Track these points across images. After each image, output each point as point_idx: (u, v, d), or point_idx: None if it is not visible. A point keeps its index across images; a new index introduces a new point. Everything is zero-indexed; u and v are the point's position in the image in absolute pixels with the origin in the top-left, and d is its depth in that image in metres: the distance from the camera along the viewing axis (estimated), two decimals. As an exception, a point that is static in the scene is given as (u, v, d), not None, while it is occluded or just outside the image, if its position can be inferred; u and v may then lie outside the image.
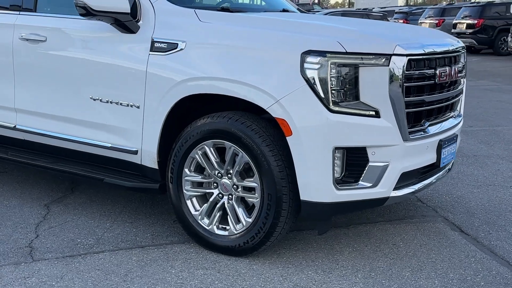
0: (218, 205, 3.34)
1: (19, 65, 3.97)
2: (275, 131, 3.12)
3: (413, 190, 3.26)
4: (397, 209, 4.20)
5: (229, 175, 3.28)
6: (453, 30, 21.07)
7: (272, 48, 3.05)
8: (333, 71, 2.90)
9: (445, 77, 3.33)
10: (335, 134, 2.92)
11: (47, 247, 3.44)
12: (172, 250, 3.43)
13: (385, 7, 41.65)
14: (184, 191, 3.42)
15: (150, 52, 3.38)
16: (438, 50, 3.31)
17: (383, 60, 2.94)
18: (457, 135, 3.63)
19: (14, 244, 3.47)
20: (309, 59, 2.92)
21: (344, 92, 2.93)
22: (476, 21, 20.76)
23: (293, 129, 2.95)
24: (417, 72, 3.11)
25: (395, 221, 3.98)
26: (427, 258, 3.37)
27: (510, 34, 18.55)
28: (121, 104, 3.54)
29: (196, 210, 3.42)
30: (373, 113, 2.96)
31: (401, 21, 27.25)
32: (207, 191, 3.38)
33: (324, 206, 3.01)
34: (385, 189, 3.06)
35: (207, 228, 3.37)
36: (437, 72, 3.24)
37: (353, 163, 3.01)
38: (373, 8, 41.52)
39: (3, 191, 4.50)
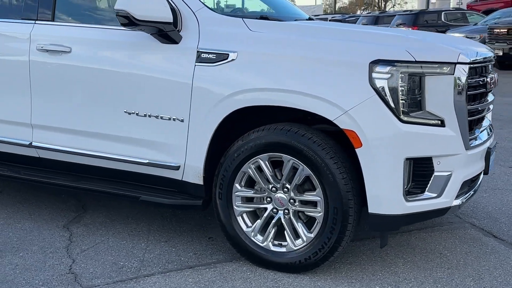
0: (273, 221, 3.21)
1: (37, 77, 3.71)
2: (334, 142, 3.04)
3: (466, 199, 3.26)
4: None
5: (285, 189, 3.16)
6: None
7: (337, 58, 2.96)
8: (402, 80, 2.85)
9: (492, 84, 3.35)
10: (406, 145, 2.87)
11: (91, 272, 3.22)
12: (224, 269, 3.28)
13: (318, 15, 42.18)
14: (235, 207, 3.28)
15: (196, 63, 3.22)
16: (486, 57, 3.33)
17: (449, 68, 2.92)
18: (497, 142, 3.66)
19: (53, 271, 3.23)
20: (378, 68, 2.86)
21: (412, 102, 2.89)
22: (409, 29, 21.41)
23: (363, 141, 2.87)
24: (474, 80, 3.12)
25: (427, 228, 3.98)
26: (480, 266, 3.37)
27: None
28: (161, 118, 3.36)
29: (248, 227, 3.28)
30: (439, 122, 2.94)
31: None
32: (261, 206, 3.26)
33: (394, 219, 2.95)
34: (448, 198, 3.04)
35: (261, 245, 3.24)
36: (488, 79, 3.26)
37: (419, 173, 2.97)
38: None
39: (9, 213, 4.20)
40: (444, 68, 2.92)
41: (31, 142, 3.83)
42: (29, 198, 4.54)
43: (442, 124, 2.94)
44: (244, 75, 3.12)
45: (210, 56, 3.20)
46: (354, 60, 2.92)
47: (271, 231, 3.23)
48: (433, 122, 2.93)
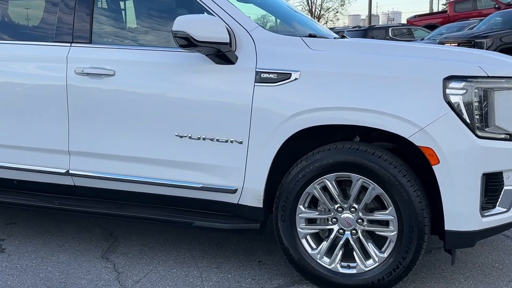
0: (341, 242, 3.15)
1: (75, 102, 3.54)
2: (401, 160, 3.01)
3: None
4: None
5: (353, 209, 3.11)
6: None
7: (408, 75, 2.94)
8: (476, 95, 2.86)
9: None
10: (483, 160, 2.87)
11: (156, 304, 3.07)
12: (292, 294, 3.19)
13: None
14: (299, 229, 3.20)
15: (256, 84, 3.15)
16: None
17: None
18: None
19: (115, 306, 3.07)
20: (452, 84, 2.85)
21: (485, 117, 2.90)
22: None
23: (440, 157, 2.85)
24: None
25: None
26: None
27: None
28: (217, 140, 3.26)
29: (312, 249, 3.20)
30: (508, 136, 2.95)
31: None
32: (327, 227, 3.19)
33: (471, 235, 2.93)
34: None
35: (329, 267, 3.17)
36: None
37: (491, 188, 2.97)
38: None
39: (37, 245, 3.99)
40: None
41: (68, 170, 3.64)
42: (49, 228, 4.33)
43: (510, 138, 2.96)
44: (309, 94, 3.06)
45: (271, 76, 3.13)
46: (427, 76, 2.90)
47: (339, 253, 3.16)
48: (503, 136, 2.94)
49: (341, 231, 3.16)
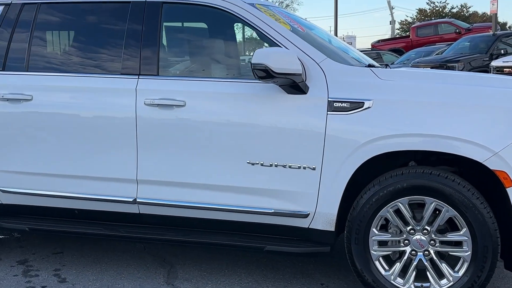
0: (414, 263, 3.28)
1: (144, 131, 3.63)
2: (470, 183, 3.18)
3: None
4: None
5: (425, 231, 3.25)
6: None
7: (481, 103, 3.14)
8: None
9: None
10: None
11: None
12: (368, 315, 3.30)
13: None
14: (372, 251, 3.33)
15: (329, 112, 3.30)
16: None
17: None
18: None
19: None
20: (523, 111, 3.04)
21: None
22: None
23: (514, 180, 3.02)
24: None
25: None
26: None
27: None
28: (290, 167, 3.39)
29: (386, 271, 3.33)
30: None
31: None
32: (400, 249, 3.32)
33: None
34: None
35: None
36: None
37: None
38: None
39: (96, 274, 4.04)
40: None
41: (135, 198, 3.73)
42: (99, 256, 4.38)
43: None
44: (382, 122, 3.22)
45: (344, 105, 3.28)
46: (499, 104, 3.10)
47: (412, 273, 3.29)
48: None
49: (413, 252, 3.29)
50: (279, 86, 3.36)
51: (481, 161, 3.07)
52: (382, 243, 3.35)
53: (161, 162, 3.63)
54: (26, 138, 3.87)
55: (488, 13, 52.07)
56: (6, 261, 4.30)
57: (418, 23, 37.56)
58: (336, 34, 42.31)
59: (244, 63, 4.04)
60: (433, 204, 3.19)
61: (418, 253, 3.29)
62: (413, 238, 3.28)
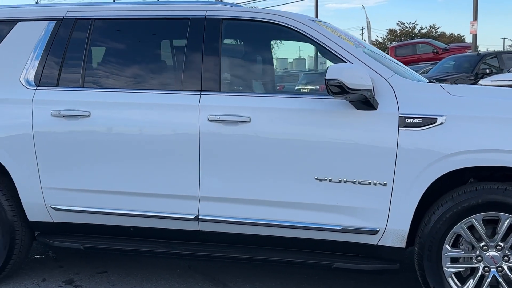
0: (488, 279, 3.26)
1: (208, 148, 3.59)
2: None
3: None
4: None
5: (498, 247, 3.24)
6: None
7: None
8: None
9: None
10: None
11: None
12: (444, 332, 3.26)
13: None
14: (445, 268, 3.31)
15: (400, 128, 3.29)
16: None
17: None
18: None
19: None
20: None
21: None
22: (319, 87, 22.27)
23: None
24: None
25: None
26: None
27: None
28: (359, 183, 3.37)
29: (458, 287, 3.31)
30: None
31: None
32: (474, 266, 3.30)
33: None
34: None
35: (476, 304, 3.28)
36: None
37: None
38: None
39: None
40: None
41: (197, 216, 3.68)
42: (145, 275, 4.28)
43: None
44: (455, 138, 3.23)
45: (416, 120, 3.28)
46: None
47: (487, 290, 3.28)
48: None
49: (486, 268, 3.28)
50: (350, 102, 3.35)
51: (557, 177, 3.09)
52: (454, 260, 3.34)
53: (225, 179, 3.59)
54: (82, 155, 3.80)
55: (455, 34, 53.10)
56: (52, 281, 4.20)
57: (396, 43, 37.96)
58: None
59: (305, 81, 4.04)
60: (508, 220, 3.18)
61: (491, 270, 3.27)
62: (486, 254, 3.27)
